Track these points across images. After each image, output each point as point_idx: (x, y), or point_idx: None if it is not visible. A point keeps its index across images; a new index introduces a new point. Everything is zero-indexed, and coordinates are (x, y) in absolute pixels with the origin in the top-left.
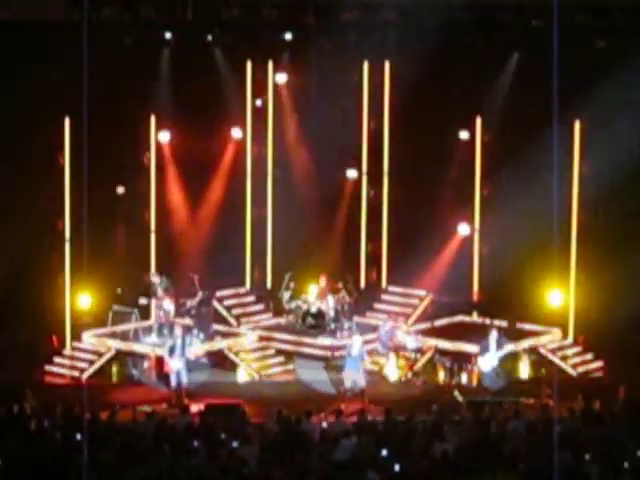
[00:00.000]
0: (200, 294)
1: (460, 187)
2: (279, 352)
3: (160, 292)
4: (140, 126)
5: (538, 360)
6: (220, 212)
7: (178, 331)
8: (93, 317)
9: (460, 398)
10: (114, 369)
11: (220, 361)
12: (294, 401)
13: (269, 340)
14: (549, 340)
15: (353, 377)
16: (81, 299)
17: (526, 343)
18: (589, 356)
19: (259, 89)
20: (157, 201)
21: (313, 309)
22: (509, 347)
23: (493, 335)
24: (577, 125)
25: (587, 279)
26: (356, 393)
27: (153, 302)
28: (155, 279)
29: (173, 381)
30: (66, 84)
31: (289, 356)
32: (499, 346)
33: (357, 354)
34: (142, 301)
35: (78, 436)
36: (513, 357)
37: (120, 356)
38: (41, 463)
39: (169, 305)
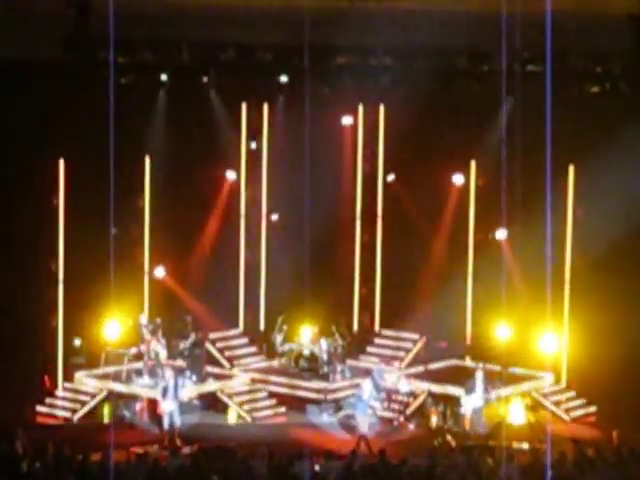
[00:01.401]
0: (193, 336)
1: (454, 231)
2: (272, 395)
3: (147, 335)
4: (135, 167)
5: (531, 405)
6: (214, 254)
7: (168, 373)
8: (86, 358)
9: (453, 442)
10: (106, 410)
11: (212, 403)
12: (286, 444)
13: (262, 382)
14: (542, 385)
15: (364, 422)
16: (74, 340)
17: (519, 388)
18: (582, 401)
19: (254, 131)
20: (151, 242)
21: (306, 352)
22: (497, 392)
23: (479, 376)
24: (571, 170)
25: (580, 324)
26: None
27: (141, 347)
28: (143, 322)
29: (165, 423)
30: (61, 125)
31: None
32: (485, 389)
33: (367, 398)
34: (132, 351)
35: (69, 477)
36: (505, 401)
37: (112, 397)
38: None
39: (157, 347)
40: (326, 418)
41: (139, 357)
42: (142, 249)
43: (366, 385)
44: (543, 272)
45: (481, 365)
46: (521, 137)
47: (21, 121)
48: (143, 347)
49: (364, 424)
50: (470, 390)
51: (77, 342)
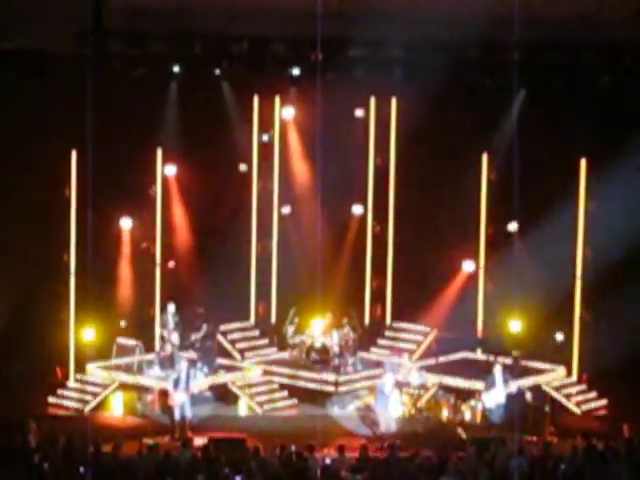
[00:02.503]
0: (204, 328)
1: (466, 224)
2: (283, 387)
3: (172, 324)
4: (147, 159)
5: (542, 398)
6: (225, 246)
7: (183, 364)
8: (97, 349)
9: (464, 435)
10: (117, 402)
11: (224, 395)
12: (297, 436)
13: (273, 374)
14: (553, 378)
15: (385, 416)
16: (85, 331)
17: (530, 380)
18: (593, 394)
19: (266, 124)
20: (163, 234)
21: (317, 344)
22: (515, 384)
23: (498, 370)
24: (583, 163)
25: (591, 317)
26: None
27: (164, 333)
28: (170, 310)
29: (177, 414)
30: (73, 116)
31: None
32: (505, 382)
33: (388, 392)
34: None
35: (81, 469)
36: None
37: (124, 389)
38: None
39: (176, 338)
40: (337, 410)
41: (150, 346)
42: (154, 240)
43: (387, 379)
44: (555, 265)
45: (493, 358)
46: (533, 130)
47: (33, 113)
48: (166, 334)
49: (385, 418)
50: (490, 386)
51: (89, 333)
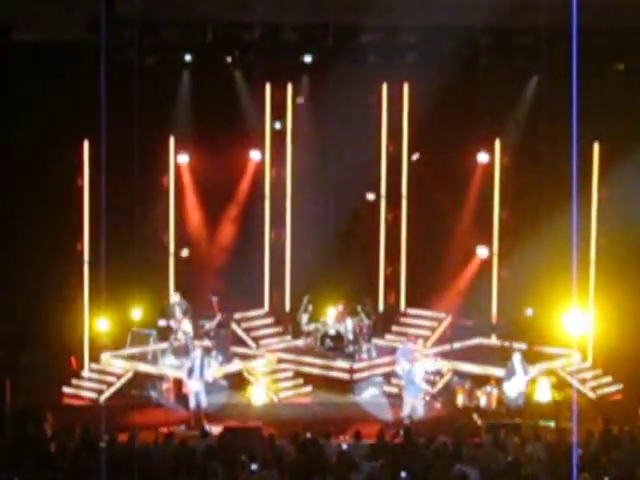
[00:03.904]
0: (219, 316)
1: (479, 210)
2: (297, 374)
3: (179, 314)
4: (159, 148)
5: (557, 383)
6: (239, 234)
7: (198, 352)
8: (112, 339)
9: (479, 421)
10: (132, 391)
11: (238, 383)
12: (312, 423)
13: (287, 362)
14: (568, 363)
15: (413, 404)
16: (100, 321)
17: (545, 366)
18: (608, 379)
19: (278, 111)
20: (176, 223)
21: (331, 331)
22: (534, 370)
23: (517, 358)
24: (596, 148)
25: (606, 302)
26: (414, 420)
27: (171, 323)
28: (174, 300)
29: (192, 403)
30: (85, 106)
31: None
32: (525, 369)
33: (419, 382)
34: (161, 323)
35: (96, 458)
36: (532, 380)
37: (138, 378)
38: None
39: (187, 326)
40: (353, 397)
41: (165, 335)
42: (167, 229)
43: (418, 368)
44: (568, 251)
45: (509, 345)
46: (546, 115)
47: (46, 102)
48: (174, 324)
49: (414, 407)
50: (511, 374)
51: (103, 323)
